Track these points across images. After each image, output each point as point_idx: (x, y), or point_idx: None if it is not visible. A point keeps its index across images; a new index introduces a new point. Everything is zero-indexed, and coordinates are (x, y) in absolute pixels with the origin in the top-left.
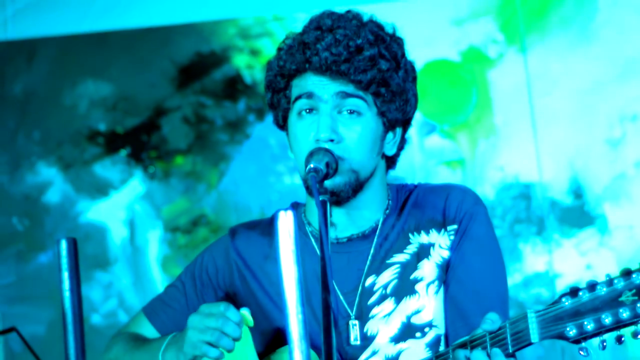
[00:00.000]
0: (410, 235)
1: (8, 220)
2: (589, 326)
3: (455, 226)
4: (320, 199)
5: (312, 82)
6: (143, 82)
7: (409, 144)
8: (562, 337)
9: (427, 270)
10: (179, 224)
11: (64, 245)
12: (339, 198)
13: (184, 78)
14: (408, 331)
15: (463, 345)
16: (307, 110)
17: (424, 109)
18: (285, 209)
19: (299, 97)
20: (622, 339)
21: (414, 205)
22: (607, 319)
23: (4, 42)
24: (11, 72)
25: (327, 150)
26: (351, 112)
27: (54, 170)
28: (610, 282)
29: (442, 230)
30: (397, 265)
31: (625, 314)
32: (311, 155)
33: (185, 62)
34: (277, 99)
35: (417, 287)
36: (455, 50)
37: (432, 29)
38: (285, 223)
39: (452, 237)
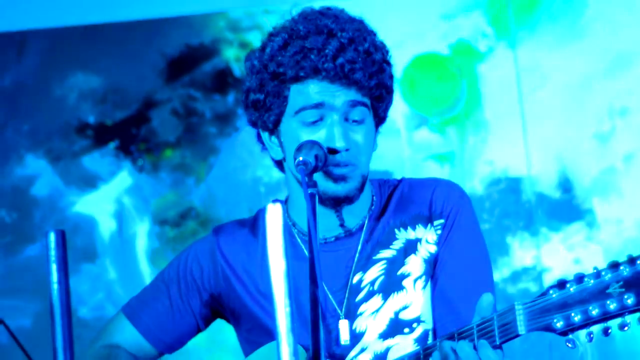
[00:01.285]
0: (397, 230)
1: None
2: (576, 318)
3: (442, 221)
4: (309, 191)
5: (321, 91)
6: (132, 74)
7: (398, 138)
8: (549, 328)
9: (414, 265)
10: (167, 217)
11: (52, 237)
12: (350, 202)
13: (173, 71)
14: (396, 327)
15: (450, 338)
16: (314, 120)
17: (413, 103)
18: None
19: (306, 107)
20: (609, 331)
21: (399, 201)
22: (594, 311)
23: None
24: (0, 64)
25: (314, 143)
26: (357, 120)
27: (42, 163)
28: (597, 274)
29: (429, 225)
30: (384, 262)
31: (612, 305)
32: (300, 148)
33: (174, 54)
34: (270, 102)
35: (405, 282)
36: (444, 43)
37: (422, 22)
38: (273, 215)
39: (438, 232)
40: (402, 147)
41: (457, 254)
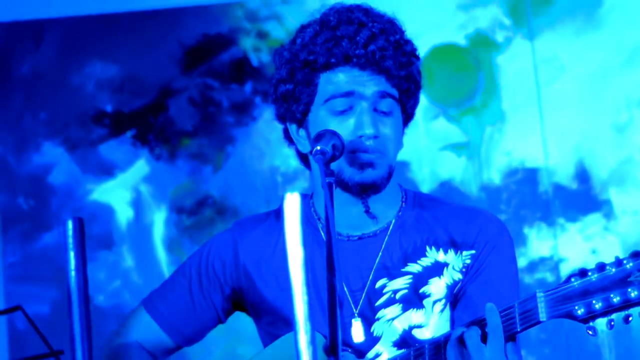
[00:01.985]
0: (428, 248)
1: (14, 200)
2: (597, 305)
3: (472, 251)
4: (327, 180)
5: (351, 80)
6: (150, 63)
7: (415, 128)
8: (570, 316)
9: (436, 287)
10: (184, 205)
11: (70, 225)
12: (377, 191)
13: (190, 60)
14: (408, 340)
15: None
16: (343, 109)
17: (431, 93)
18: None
19: (336, 96)
20: (630, 318)
21: (438, 221)
22: (616, 298)
23: (11, 22)
24: (19, 53)
25: (333, 133)
26: (385, 112)
27: (60, 151)
28: (619, 262)
29: (458, 252)
30: (410, 276)
31: (633, 293)
32: (318, 138)
33: (192, 44)
34: (300, 91)
35: (425, 302)
36: (462, 34)
37: (439, 13)
38: (291, 204)
39: (467, 261)
40: (419, 138)
41: (486, 290)
